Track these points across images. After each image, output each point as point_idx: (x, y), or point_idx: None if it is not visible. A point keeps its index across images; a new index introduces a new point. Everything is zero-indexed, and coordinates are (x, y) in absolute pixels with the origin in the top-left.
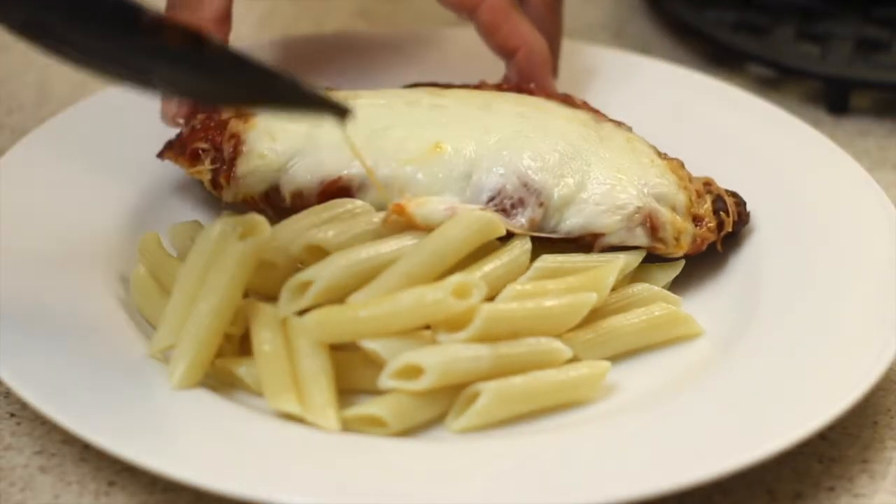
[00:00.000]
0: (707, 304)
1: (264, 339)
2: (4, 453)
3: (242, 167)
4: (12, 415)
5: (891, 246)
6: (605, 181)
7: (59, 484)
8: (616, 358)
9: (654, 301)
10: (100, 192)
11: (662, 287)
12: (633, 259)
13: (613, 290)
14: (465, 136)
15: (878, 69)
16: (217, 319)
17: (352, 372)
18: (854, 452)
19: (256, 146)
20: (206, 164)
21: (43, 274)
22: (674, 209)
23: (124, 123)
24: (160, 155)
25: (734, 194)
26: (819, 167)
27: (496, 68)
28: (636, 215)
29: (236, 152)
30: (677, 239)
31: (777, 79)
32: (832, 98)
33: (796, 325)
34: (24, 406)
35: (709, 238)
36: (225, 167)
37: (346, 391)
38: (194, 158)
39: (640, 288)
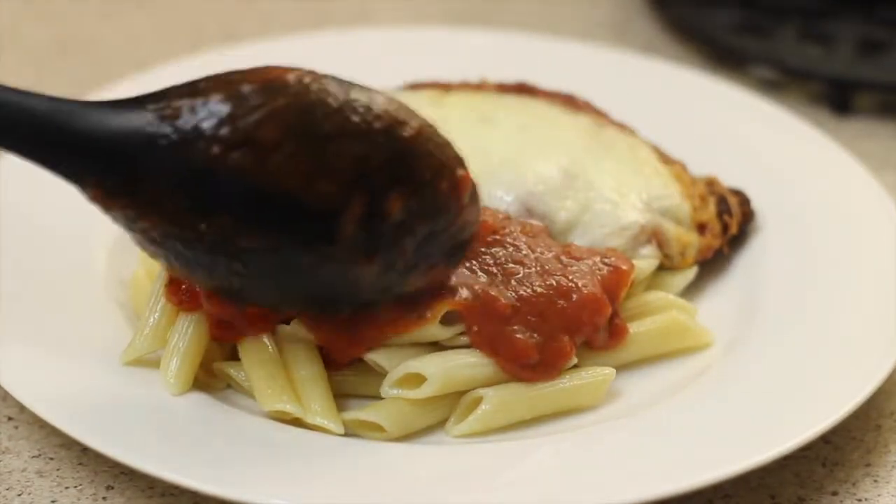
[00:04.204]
0: (710, 307)
1: (251, 346)
2: (2, 457)
3: None
4: (10, 418)
5: (894, 248)
6: (608, 199)
7: (57, 488)
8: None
9: (669, 309)
10: None
11: (677, 293)
12: (647, 266)
13: (627, 297)
14: (467, 158)
15: (882, 70)
16: (203, 320)
17: (343, 378)
18: (857, 456)
19: None
20: None
21: (42, 276)
22: (678, 222)
23: None
24: None
25: (738, 192)
26: (822, 169)
27: (496, 68)
28: (641, 235)
29: None
30: (682, 254)
31: (780, 80)
32: (835, 99)
33: (799, 328)
34: (21, 409)
35: (714, 245)
36: None
37: (337, 396)
38: None
39: (654, 296)
